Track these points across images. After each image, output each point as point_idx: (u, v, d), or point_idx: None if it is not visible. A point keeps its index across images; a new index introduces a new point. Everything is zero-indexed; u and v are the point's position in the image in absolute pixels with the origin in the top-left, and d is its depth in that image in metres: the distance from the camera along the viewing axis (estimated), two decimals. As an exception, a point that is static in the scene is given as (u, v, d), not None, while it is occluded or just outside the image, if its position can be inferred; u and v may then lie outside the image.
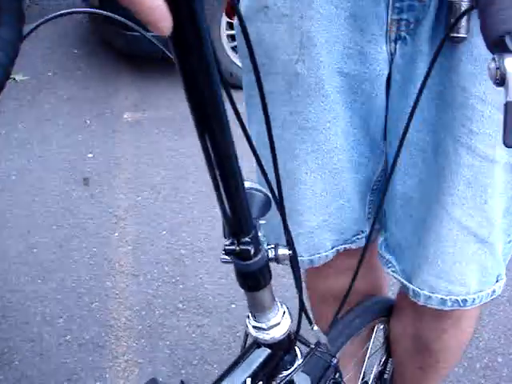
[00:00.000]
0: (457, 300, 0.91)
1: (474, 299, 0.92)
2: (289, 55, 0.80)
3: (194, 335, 1.86)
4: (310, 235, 0.95)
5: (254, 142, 0.85)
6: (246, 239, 0.55)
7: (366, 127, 0.87)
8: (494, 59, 0.49)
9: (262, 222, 0.57)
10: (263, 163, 0.55)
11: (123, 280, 2.09)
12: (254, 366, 0.66)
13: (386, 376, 1.32)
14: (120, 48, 3.43)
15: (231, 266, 0.59)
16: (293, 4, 0.77)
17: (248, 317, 0.66)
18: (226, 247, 0.55)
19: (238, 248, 0.54)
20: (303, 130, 0.85)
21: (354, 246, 0.99)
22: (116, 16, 0.55)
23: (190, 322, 1.91)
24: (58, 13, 0.53)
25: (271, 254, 0.60)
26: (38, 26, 0.49)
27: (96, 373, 1.76)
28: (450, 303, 0.92)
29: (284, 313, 0.66)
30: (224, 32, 3.19)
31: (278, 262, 0.61)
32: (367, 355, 1.21)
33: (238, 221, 0.53)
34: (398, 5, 0.74)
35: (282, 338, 0.66)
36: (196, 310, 1.95)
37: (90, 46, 3.92)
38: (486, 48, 0.51)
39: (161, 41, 0.54)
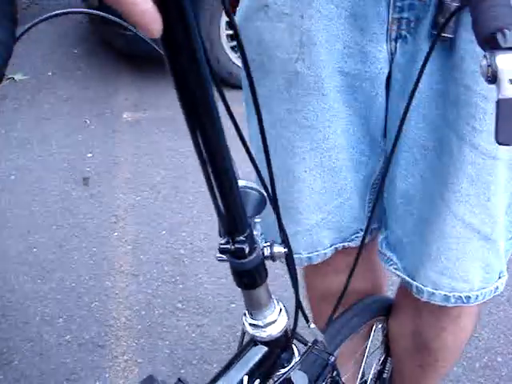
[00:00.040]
0: (460, 297, 0.91)
1: (478, 296, 0.92)
2: (289, 54, 0.80)
3: (193, 335, 1.86)
4: (309, 233, 0.95)
5: (254, 141, 0.86)
6: (241, 238, 0.55)
7: (365, 126, 0.87)
8: (485, 56, 0.49)
9: (257, 220, 0.58)
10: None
11: (123, 280, 2.09)
12: (251, 364, 0.66)
13: (384, 375, 1.32)
14: (120, 48, 3.43)
15: (231, 266, 0.60)
16: (293, 3, 0.77)
17: (245, 314, 0.66)
18: (221, 246, 0.55)
19: (232, 247, 0.55)
20: (302, 128, 0.86)
21: (352, 245, 0.99)
22: (110, 16, 0.55)
23: (190, 321, 1.91)
24: (54, 13, 0.53)
25: (267, 252, 0.60)
26: (31, 26, 0.49)
27: (96, 372, 1.76)
28: (453, 300, 0.92)
29: (280, 310, 0.66)
30: (223, 32, 3.19)
31: (273, 260, 0.61)
32: (365, 354, 1.21)
33: (233, 219, 0.53)
34: (398, 4, 0.75)
35: (278, 335, 0.66)
36: (196, 310, 1.95)
37: (90, 45, 3.92)
38: (478, 45, 0.51)
39: (155, 40, 0.55)
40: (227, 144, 0.48)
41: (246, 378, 0.64)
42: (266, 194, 0.57)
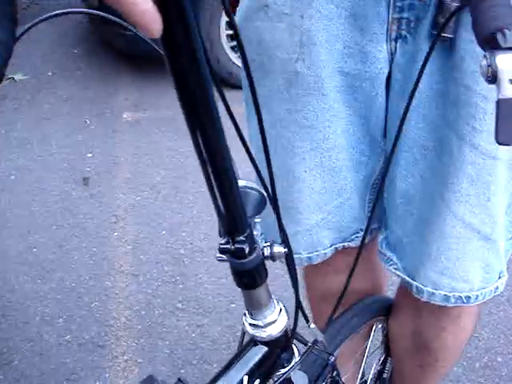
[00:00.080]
0: (460, 297, 0.92)
1: (478, 296, 0.92)
2: (289, 54, 0.80)
3: (193, 335, 1.86)
4: (309, 233, 0.96)
5: (254, 141, 0.86)
6: (241, 238, 0.55)
7: (365, 126, 0.87)
8: (485, 56, 0.49)
9: (257, 220, 0.58)
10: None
11: (123, 280, 2.09)
12: (251, 364, 0.66)
13: (384, 375, 1.32)
14: (120, 48, 3.43)
15: (231, 266, 0.60)
16: (293, 3, 0.77)
17: (245, 314, 0.66)
18: (221, 246, 0.55)
19: (232, 247, 0.55)
20: (302, 128, 0.86)
21: (353, 245, 0.99)
22: (110, 16, 0.55)
23: (190, 321, 1.91)
24: (53, 13, 0.53)
25: (267, 252, 0.60)
26: (31, 26, 0.49)
27: (96, 372, 1.76)
28: (453, 300, 0.92)
29: (280, 310, 0.66)
30: (223, 32, 3.19)
31: (273, 260, 0.61)
32: (366, 354, 1.21)
33: (233, 219, 0.53)
34: (399, 4, 0.75)
35: (278, 335, 0.66)
36: (196, 310, 1.95)
37: (90, 45, 3.92)
38: (478, 45, 0.51)
39: (155, 40, 0.55)
40: (227, 144, 0.48)
41: (246, 378, 0.64)
42: (266, 194, 0.57)
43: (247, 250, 0.55)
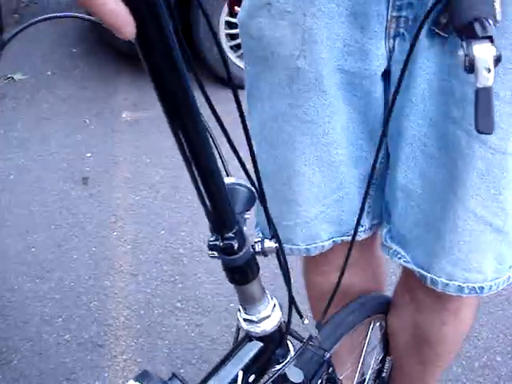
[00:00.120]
0: (474, 287, 0.93)
1: (491, 286, 0.94)
2: (290, 51, 0.82)
3: (192, 334, 1.86)
4: (308, 225, 0.97)
5: (254, 134, 0.87)
6: (230, 234, 0.55)
7: (365, 123, 0.88)
8: (462, 46, 0.49)
9: (247, 216, 0.58)
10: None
11: (122, 279, 2.09)
12: (246, 360, 0.66)
13: (383, 374, 1.32)
14: (119, 47, 3.42)
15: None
16: (295, 1, 0.79)
17: (239, 310, 0.67)
18: (211, 243, 0.55)
19: (221, 243, 0.55)
20: (303, 123, 0.87)
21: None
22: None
23: (189, 321, 1.91)
24: (43, 17, 0.53)
25: (258, 247, 0.60)
26: (18, 32, 0.49)
27: (95, 372, 1.76)
28: (467, 290, 0.93)
29: (274, 305, 0.66)
30: (223, 31, 3.19)
31: (265, 255, 0.61)
32: (363, 353, 1.21)
33: (220, 216, 0.54)
34: (398, 2, 0.76)
35: (272, 330, 0.66)
36: (195, 309, 1.95)
37: (90, 45, 3.91)
38: (455, 34, 0.51)
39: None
40: (210, 142, 0.48)
41: (241, 374, 0.64)
42: (255, 191, 0.58)
43: (236, 247, 0.56)
